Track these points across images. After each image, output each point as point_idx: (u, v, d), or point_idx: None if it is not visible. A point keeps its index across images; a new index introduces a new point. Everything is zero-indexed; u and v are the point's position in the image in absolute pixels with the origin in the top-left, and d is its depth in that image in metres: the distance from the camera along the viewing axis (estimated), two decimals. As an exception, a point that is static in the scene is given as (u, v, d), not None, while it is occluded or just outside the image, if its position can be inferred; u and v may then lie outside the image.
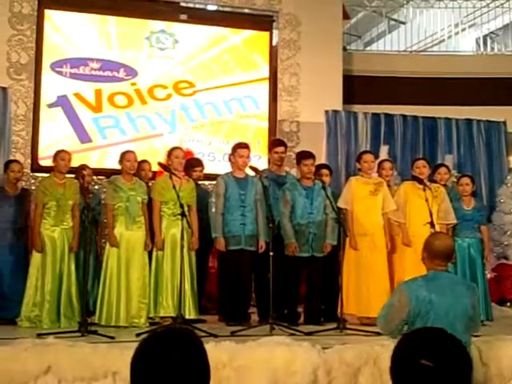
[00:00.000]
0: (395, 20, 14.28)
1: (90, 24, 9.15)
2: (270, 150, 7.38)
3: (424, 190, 6.31)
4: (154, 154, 8.52)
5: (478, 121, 10.51)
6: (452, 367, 1.70)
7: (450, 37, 12.67)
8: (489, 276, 7.82)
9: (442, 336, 1.79)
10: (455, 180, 8.21)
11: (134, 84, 9.23)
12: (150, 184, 6.91)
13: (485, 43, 13.16)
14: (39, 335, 5.16)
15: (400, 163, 9.80)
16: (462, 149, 10.41)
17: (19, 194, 6.77)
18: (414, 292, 3.46)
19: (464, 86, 10.65)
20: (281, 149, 7.09)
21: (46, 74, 8.86)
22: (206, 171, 7.53)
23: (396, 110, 10.36)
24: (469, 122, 10.50)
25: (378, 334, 5.19)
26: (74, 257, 6.36)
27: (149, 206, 6.43)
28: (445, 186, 7.20)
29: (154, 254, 6.29)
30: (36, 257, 6.22)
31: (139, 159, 6.80)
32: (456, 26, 12.74)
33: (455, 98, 10.62)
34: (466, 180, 7.23)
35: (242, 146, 6.75)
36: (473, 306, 3.56)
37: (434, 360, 1.70)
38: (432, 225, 5.86)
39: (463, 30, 12.94)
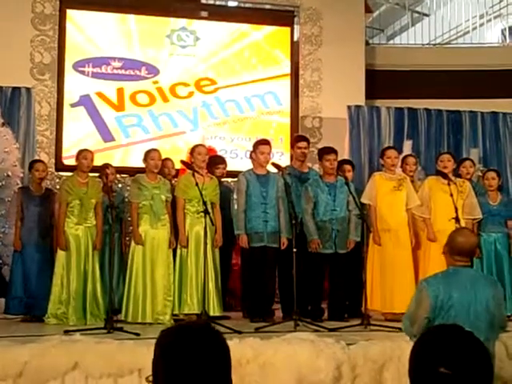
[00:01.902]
0: (418, 12, 14.16)
1: (111, 23, 9.22)
2: (292, 146, 7.35)
3: (449, 184, 6.24)
4: (176, 152, 8.57)
5: (504, 113, 10.37)
6: (471, 372, 1.67)
7: (474, 28, 12.53)
8: (516, 271, 7.72)
9: (460, 338, 1.75)
10: (480, 174, 8.12)
11: (155, 82, 9.27)
12: (174, 182, 6.93)
13: (511, 34, 12.97)
14: (66, 332, 5.18)
15: (424, 158, 9.73)
16: (488, 142, 10.28)
17: (44, 194, 6.83)
18: (434, 289, 3.42)
19: (489, 78, 10.51)
20: (303, 144, 7.06)
21: (69, 74, 8.95)
22: (228, 168, 7.52)
23: (420, 104, 10.27)
24: (494, 114, 10.37)
25: (403, 329, 5.17)
26: (99, 255, 6.41)
27: (173, 204, 6.45)
28: (470, 180, 7.12)
29: (179, 251, 6.31)
30: (61, 255, 6.28)
31: (162, 157, 6.81)
32: (481, 17, 12.59)
33: (480, 90, 10.48)
34: (492, 174, 7.14)
35: (264, 142, 6.74)
36: (496, 300, 3.50)
37: (452, 366, 1.67)
38: (457, 220, 5.81)
39: (488, 21, 12.78)
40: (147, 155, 6.45)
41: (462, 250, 3.56)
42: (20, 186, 7.55)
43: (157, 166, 6.43)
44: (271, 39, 9.80)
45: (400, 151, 7.91)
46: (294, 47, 9.83)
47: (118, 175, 7.91)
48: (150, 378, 1.67)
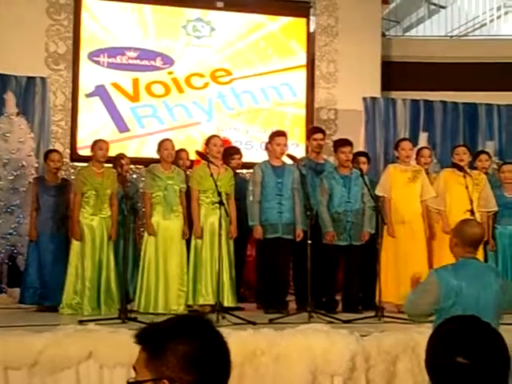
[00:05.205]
0: (435, 4, 14.05)
1: (126, 13, 9.21)
2: (308, 138, 7.34)
3: (464, 177, 6.21)
4: (191, 143, 8.56)
5: (521, 106, 10.29)
6: (489, 362, 1.66)
7: (491, 21, 12.43)
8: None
9: (477, 328, 1.74)
10: (496, 167, 8.07)
11: (171, 73, 9.26)
12: (188, 173, 6.93)
13: (528, 27, 12.87)
14: (80, 322, 5.22)
15: (440, 150, 9.68)
16: (504, 135, 10.22)
17: (59, 184, 6.83)
18: (444, 280, 3.42)
19: (506, 70, 10.42)
20: (319, 136, 7.05)
21: (84, 64, 8.95)
22: (243, 160, 7.51)
23: (435, 96, 10.20)
24: (510, 107, 10.28)
25: (417, 321, 5.16)
26: (113, 245, 6.42)
27: (187, 195, 6.45)
28: (486, 173, 7.08)
29: (193, 242, 6.32)
30: (76, 245, 6.30)
31: (177, 148, 6.81)
32: (498, 9, 12.49)
33: (496, 83, 10.40)
34: (508, 167, 7.10)
35: (280, 133, 6.72)
36: (503, 290, 3.48)
37: (470, 356, 1.66)
38: (472, 212, 5.78)
39: (505, 13, 12.67)
40: (160, 145, 6.46)
41: (473, 241, 3.57)
42: (35, 176, 7.58)
43: (170, 155, 6.43)
44: (287, 30, 9.76)
45: (416, 143, 7.88)
46: (310, 38, 9.79)
47: (132, 166, 7.92)
48: None
